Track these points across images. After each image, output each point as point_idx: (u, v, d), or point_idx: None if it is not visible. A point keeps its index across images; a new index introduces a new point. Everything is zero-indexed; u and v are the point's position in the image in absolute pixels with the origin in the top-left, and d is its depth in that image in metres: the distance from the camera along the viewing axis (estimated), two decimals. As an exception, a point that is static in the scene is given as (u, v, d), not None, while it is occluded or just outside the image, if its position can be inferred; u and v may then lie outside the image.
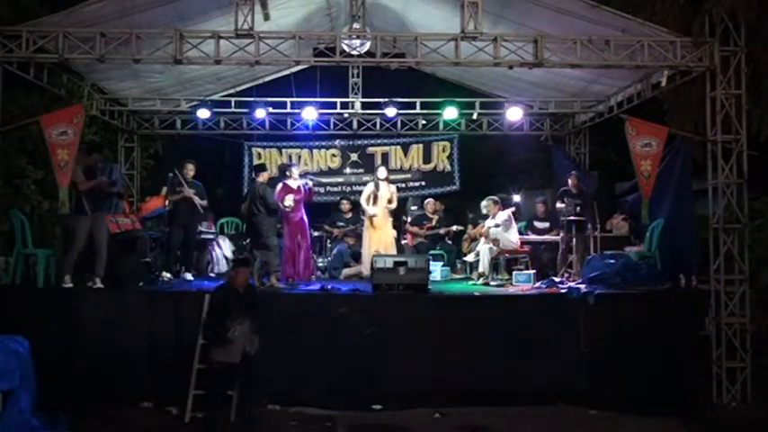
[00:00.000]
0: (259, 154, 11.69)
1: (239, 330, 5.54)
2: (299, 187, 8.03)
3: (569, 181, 9.01)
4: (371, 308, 6.71)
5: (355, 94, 10.26)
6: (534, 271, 8.24)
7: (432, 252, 9.74)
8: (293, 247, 7.97)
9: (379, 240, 8.77)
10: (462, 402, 6.35)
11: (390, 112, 10.15)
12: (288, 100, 10.42)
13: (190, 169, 8.31)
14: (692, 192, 8.11)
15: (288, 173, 8.16)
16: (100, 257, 7.02)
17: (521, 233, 9.15)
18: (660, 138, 7.22)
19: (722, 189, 7.12)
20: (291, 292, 7.38)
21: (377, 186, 9.00)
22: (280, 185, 7.98)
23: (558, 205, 9.03)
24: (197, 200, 8.31)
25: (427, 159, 11.73)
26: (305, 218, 8.16)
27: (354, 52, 7.53)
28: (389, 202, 8.95)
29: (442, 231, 10.29)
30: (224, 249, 9.93)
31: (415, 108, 10.57)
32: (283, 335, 6.43)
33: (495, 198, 9.09)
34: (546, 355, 6.52)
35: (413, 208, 11.30)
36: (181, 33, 6.89)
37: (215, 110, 10.43)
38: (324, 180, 11.50)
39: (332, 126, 11.01)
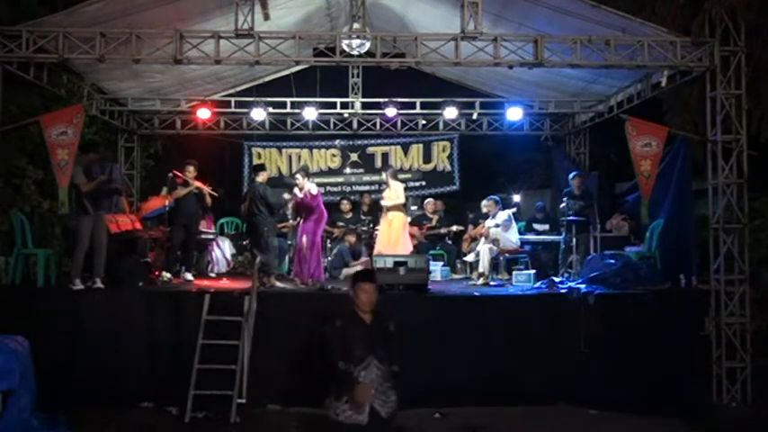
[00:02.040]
0: (259, 154, 11.72)
1: (364, 377, 3.99)
2: (305, 195, 8.09)
3: (574, 181, 8.92)
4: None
5: (355, 94, 10.27)
6: (534, 271, 8.24)
7: (432, 252, 9.74)
8: (300, 248, 8.06)
9: (388, 240, 8.76)
10: (462, 402, 6.33)
11: (390, 112, 10.16)
12: (288, 100, 10.42)
13: (190, 171, 8.30)
14: (691, 192, 8.11)
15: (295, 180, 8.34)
16: (99, 257, 7.02)
17: (520, 233, 9.15)
18: (660, 138, 7.23)
19: (722, 189, 7.12)
20: (291, 292, 7.38)
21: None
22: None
23: (561, 206, 9.01)
24: (207, 189, 8.33)
25: (427, 159, 11.75)
26: (320, 222, 8.20)
27: (354, 52, 7.53)
28: (397, 198, 8.82)
29: (442, 231, 10.28)
30: (224, 249, 9.95)
31: (415, 108, 10.57)
32: (282, 335, 6.44)
33: (496, 198, 9.09)
34: (546, 355, 6.51)
35: (413, 208, 11.30)
36: (181, 33, 6.89)
37: (215, 110, 10.44)
38: (324, 180, 11.51)
39: (332, 126, 11.00)
